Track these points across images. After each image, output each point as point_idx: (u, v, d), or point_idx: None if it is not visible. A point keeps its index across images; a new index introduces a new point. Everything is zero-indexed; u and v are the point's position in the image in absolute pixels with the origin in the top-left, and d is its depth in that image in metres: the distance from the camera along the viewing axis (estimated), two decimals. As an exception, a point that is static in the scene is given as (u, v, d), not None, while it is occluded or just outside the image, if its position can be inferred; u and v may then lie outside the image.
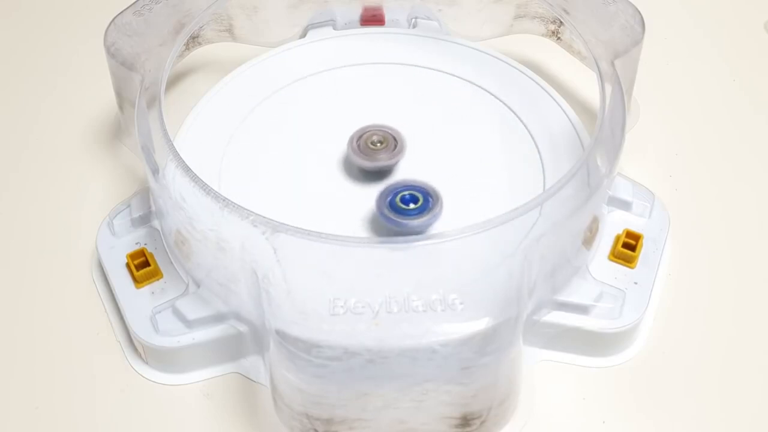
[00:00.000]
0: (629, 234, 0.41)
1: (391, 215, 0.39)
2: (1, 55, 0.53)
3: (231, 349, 0.39)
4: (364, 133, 0.42)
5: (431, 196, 0.39)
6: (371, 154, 0.41)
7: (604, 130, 0.39)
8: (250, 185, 0.42)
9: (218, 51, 0.49)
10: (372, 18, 0.49)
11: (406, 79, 0.47)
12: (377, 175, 0.42)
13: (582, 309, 0.39)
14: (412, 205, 0.39)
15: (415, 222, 0.39)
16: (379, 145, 0.42)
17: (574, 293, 0.39)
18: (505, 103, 0.45)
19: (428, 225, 0.39)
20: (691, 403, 0.38)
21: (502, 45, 0.48)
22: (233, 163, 0.43)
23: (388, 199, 0.39)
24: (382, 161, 0.41)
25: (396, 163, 0.42)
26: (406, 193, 0.39)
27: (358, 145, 0.42)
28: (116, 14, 0.43)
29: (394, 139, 0.42)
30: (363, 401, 0.34)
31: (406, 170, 0.42)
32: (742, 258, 0.43)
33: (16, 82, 0.51)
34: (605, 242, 0.41)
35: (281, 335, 0.34)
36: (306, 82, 0.46)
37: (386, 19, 0.49)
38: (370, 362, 0.33)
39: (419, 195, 0.39)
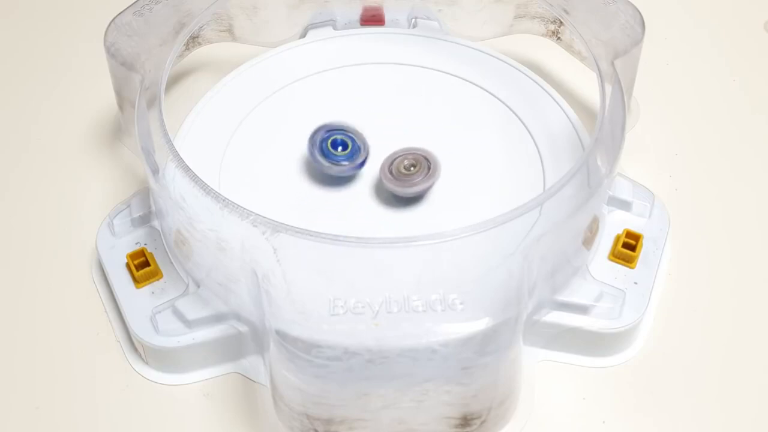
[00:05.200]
0: (629, 234, 0.41)
1: (322, 159, 0.41)
2: (1, 55, 0.53)
3: (231, 349, 0.39)
4: (396, 158, 0.41)
5: (358, 142, 0.41)
6: (405, 179, 0.41)
7: (604, 130, 0.39)
8: (250, 185, 0.42)
9: (218, 51, 0.49)
10: (372, 18, 0.49)
11: (406, 79, 0.47)
12: (377, 175, 0.42)
13: (582, 309, 0.39)
14: (340, 149, 0.41)
15: (344, 166, 0.41)
16: (412, 169, 0.41)
17: (574, 293, 0.39)
18: (505, 103, 0.45)
19: (357, 170, 0.42)
20: (691, 403, 0.38)
21: (502, 45, 0.48)
22: (233, 163, 0.43)
23: (319, 143, 0.41)
24: (417, 186, 0.41)
25: (431, 186, 0.41)
26: (338, 137, 0.41)
27: (390, 171, 0.41)
28: (116, 14, 0.43)
29: (427, 161, 0.41)
30: (363, 401, 0.34)
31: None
32: (742, 258, 0.43)
33: (16, 82, 0.51)
34: (605, 242, 0.41)
35: (281, 335, 0.34)
36: (306, 82, 0.46)
37: (386, 19, 0.49)
38: (370, 362, 0.33)
39: (348, 140, 0.41)
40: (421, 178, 0.40)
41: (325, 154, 0.41)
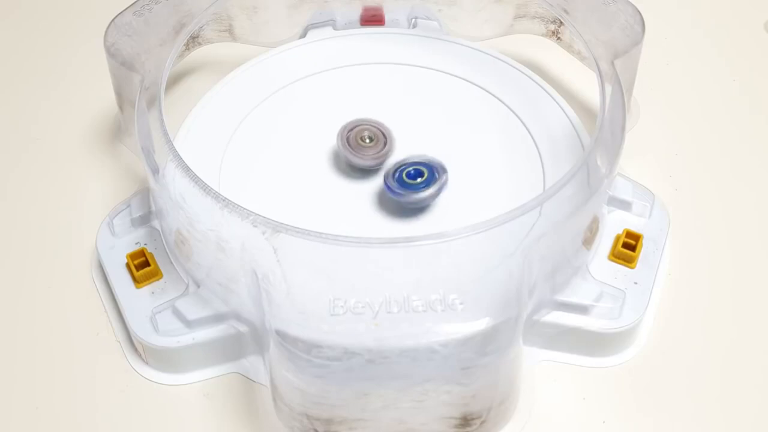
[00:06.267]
0: (629, 234, 0.41)
1: (400, 190, 0.40)
2: (1, 55, 0.53)
3: (231, 349, 0.39)
4: (354, 128, 0.42)
5: (436, 170, 0.40)
6: (361, 151, 0.41)
7: (604, 130, 0.39)
8: (250, 185, 0.42)
9: (218, 51, 0.49)
10: (372, 18, 0.49)
11: (406, 79, 0.47)
12: (377, 174, 0.42)
13: (582, 309, 0.39)
14: (419, 179, 0.40)
15: (422, 195, 0.40)
16: (368, 141, 0.42)
17: (574, 293, 0.39)
18: (505, 103, 0.45)
19: (436, 196, 0.40)
20: (691, 403, 0.38)
21: (502, 45, 0.48)
22: (233, 163, 0.43)
23: (396, 175, 0.40)
24: (369, 159, 0.41)
25: (383, 161, 0.42)
26: (410, 168, 0.40)
27: (348, 140, 0.42)
28: (116, 14, 0.43)
29: (384, 135, 0.42)
30: (363, 401, 0.34)
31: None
32: (742, 258, 0.43)
33: (16, 82, 0.51)
34: (605, 242, 0.41)
35: (281, 335, 0.34)
36: (306, 82, 0.46)
37: (386, 19, 0.49)
38: (370, 362, 0.33)
39: (424, 169, 0.40)
40: (374, 152, 0.41)
41: (403, 185, 0.40)
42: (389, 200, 0.41)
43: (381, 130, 0.42)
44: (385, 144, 0.42)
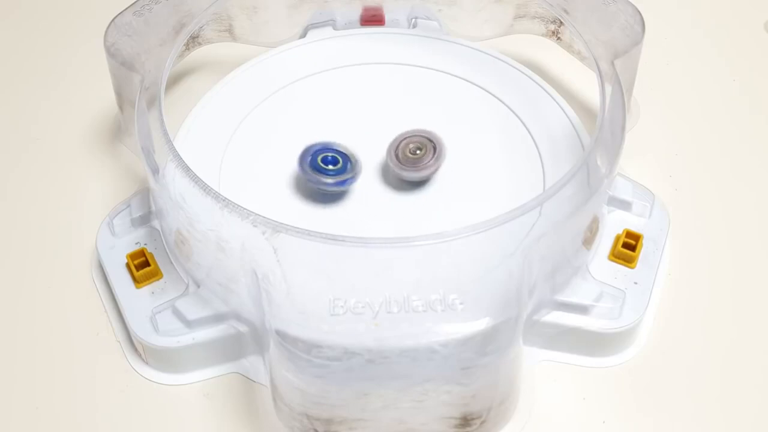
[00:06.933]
0: (629, 234, 0.41)
1: (313, 174, 0.40)
2: (2, 55, 0.53)
3: (231, 349, 0.39)
4: (401, 143, 0.42)
5: (350, 160, 0.41)
6: (413, 163, 0.41)
7: (604, 130, 0.39)
8: (250, 185, 0.42)
9: (218, 51, 0.49)
10: (372, 18, 0.49)
11: (406, 79, 0.47)
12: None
13: (582, 309, 0.39)
14: (331, 167, 0.40)
15: (331, 181, 0.40)
16: (418, 152, 0.41)
17: (574, 293, 0.39)
18: (505, 103, 0.45)
19: (345, 184, 0.41)
20: (691, 403, 0.38)
21: (502, 45, 0.48)
22: (233, 163, 0.43)
23: (310, 159, 0.41)
24: (423, 169, 0.41)
25: (437, 169, 0.41)
26: (328, 154, 0.41)
27: (397, 155, 0.41)
28: (116, 14, 0.43)
29: (431, 141, 0.41)
30: (363, 401, 0.34)
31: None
32: (742, 258, 0.43)
33: (16, 82, 0.51)
34: (605, 242, 0.41)
35: (281, 335, 0.34)
36: (306, 82, 0.46)
37: (386, 19, 0.49)
38: (370, 362, 0.33)
39: (339, 157, 0.41)
40: (428, 161, 0.41)
41: (317, 169, 0.40)
42: (390, 199, 0.41)
43: (428, 138, 0.41)
44: (435, 150, 0.41)
